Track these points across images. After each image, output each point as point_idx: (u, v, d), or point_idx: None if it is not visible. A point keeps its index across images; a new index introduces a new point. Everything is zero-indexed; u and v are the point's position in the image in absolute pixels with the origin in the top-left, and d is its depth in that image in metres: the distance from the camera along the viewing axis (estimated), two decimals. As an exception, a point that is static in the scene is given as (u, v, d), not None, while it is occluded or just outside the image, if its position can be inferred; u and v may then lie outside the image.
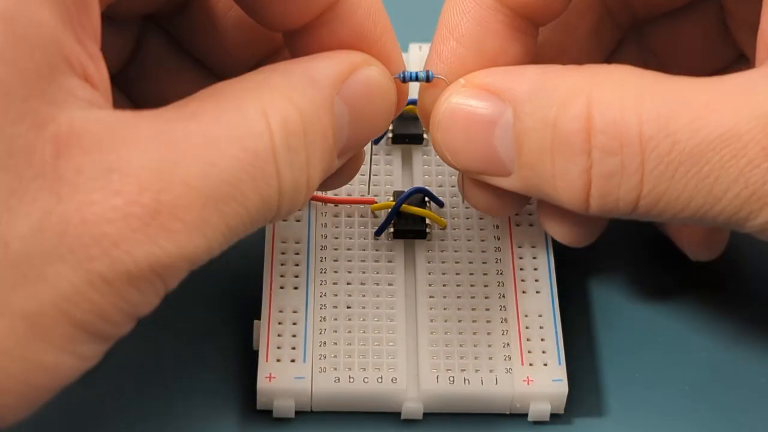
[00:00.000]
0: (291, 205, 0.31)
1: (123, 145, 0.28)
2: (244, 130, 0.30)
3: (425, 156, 0.42)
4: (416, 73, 0.35)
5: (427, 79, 0.36)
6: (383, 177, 0.41)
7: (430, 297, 0.38)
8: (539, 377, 0.37)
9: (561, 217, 0.37)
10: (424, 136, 0.42)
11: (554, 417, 0.37)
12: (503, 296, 0.39)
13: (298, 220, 0.40)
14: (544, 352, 0.37)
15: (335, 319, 0.38)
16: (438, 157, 0.37)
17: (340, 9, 0.34)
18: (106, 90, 0.30)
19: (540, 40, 0.37)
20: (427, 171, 0.42)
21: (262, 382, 0.36)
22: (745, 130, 0.31)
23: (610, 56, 0.40)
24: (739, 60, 0.39)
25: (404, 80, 0.36)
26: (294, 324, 0.37)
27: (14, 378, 0.27)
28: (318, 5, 0.34)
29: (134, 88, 0.38)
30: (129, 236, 0.27)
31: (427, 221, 0.40)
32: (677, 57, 0.40)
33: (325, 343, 0.37)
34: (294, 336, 0.37)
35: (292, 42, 0.35)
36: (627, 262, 0.41)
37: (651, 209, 0.32)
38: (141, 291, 0.28)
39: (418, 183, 0.41)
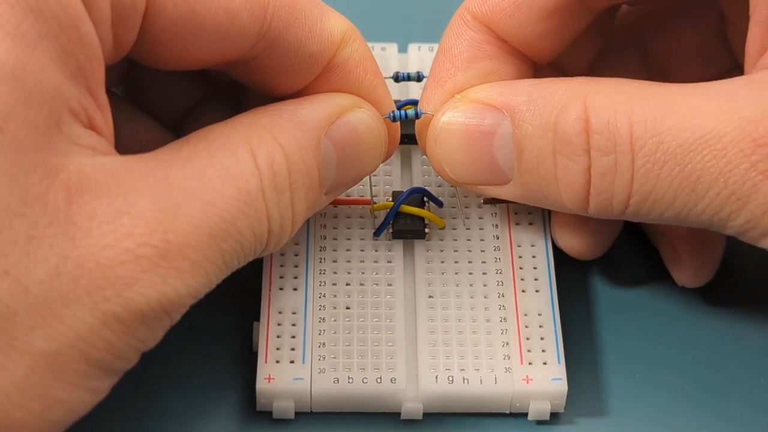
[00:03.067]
0: (278, 240, 0.33)
1: (128, 190, 0.29)
2: (237, 170, 0.32)
3: (424, 156, 0.42)
4: (405, 112, 0.37)
5: (416, 116, 0.37)
6: (382, 177, 0.41)
7: (429, 297, 0.38)
8: (539, 376, 0.37)
9: (573, 229, 0.39)
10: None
11: (554, 416, 0.37)
12: (502, 295, 0.39)
13: (298, 221, 0.40)
14: (543, 351, 0.37)
15: (334, 320, 0.38)
16: (428, 84, 0.38)
17: (333, 61, 0.35)
18: (111, 133, 0.31)
19: None
20: (426, 171, 0.42)
21: (261, 383, 0.36)
22: (725, 132, 0.32)
23: (611, 62, 0.41)
24: (737, 68, 0.39)
25: (394, 120, 0.37)
26: (293, 325, 0.37)
27: (33, 414, 0.28)
28: (317, 70, 0.35)
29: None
30: (141, 277, 0.29)
31: (426, 221, 0.40)
32: (676, 64, 0.40)
33: (324, 343, 0.37)
34: (293, 337, 0.37)
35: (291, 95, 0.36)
36: (627, 260, 0.41)
37: (640, 208, 0.34)
38: (151, 328, 0.30)
39: (417, 183, 0.41)
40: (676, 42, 0.40)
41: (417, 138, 0.39)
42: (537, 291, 0.39)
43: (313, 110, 0.35)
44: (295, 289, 0.38)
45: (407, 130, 0.42)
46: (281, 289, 0.38)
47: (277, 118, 0.34)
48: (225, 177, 0.31)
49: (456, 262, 0.39)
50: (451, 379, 0.37)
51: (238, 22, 0.33)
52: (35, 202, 0.28)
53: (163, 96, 0.39)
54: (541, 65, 0.39)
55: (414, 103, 0.42)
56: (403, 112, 0.37)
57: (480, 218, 0.40)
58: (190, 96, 0.39)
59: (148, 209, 0.29)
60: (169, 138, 0.39)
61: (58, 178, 0.28)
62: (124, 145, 0.33)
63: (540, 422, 0.37)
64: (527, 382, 0.37)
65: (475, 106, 0.36)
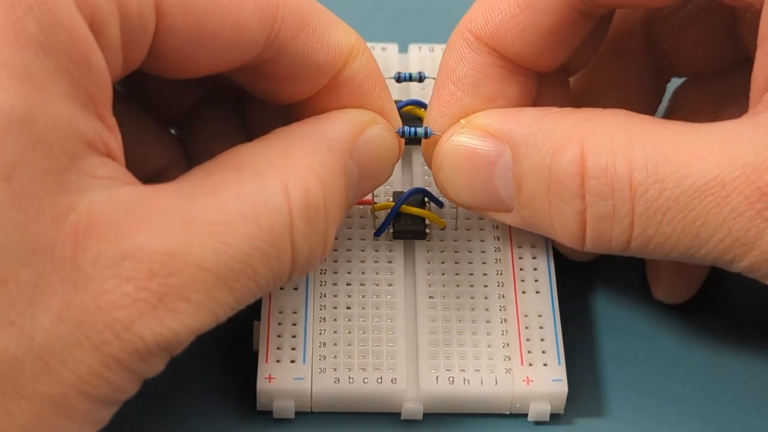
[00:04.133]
0: (304, 270, 0.33)
1: (139, 229, 0.29)
2: (263, 206, 0.31)
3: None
4: (415, 129, 0.37)
5: (425, 136, 0.37)
6: (383, 177, 0.41)
7: (430, 297, 0.39)
8: (539, 377, 0.37)
9: (670, 281, 0.40)
10: (424, 136, 0.42)
11: (554, 417, 0.37)
12: (503, 296, 0.39)
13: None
14: (543, 352, 0.37)
15: (335, 320, 0.38)
16: (433, 106, 0.38)
17: (342, 74, 0.35)
18: (122, 152, 0.31)
19: None
20: (427, 171, 0.41)
21: (261, 383, 0.36)
22: (729, 180, 0.32)
23: (616, 56, 0.40)
24: (746, 62, 0.39)
25: (403, 136, 0.37)
26: (294, 325, 0.37)
27: None
28: (323, 81, 0.35)
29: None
30: (138, 320, 0.29)
31: (427, 222, 0.40)
32: (684, 57, 0.40)
33: (324, 343, 0.37)
34: (294, 337, 0.37)
35: (298, 107, 0.36)
36: (627, 261, 0.41)
37: (643, 249, 0.34)
38: (150, 364, 0.30)
39: (418, 183, 0.41)
40: (684, 35, 0.40)
41: (424, 156, 0.39)
42: (537, 292, 0.39)
43: (339, 130, 0.34)
44: (295, 289, 0.38)
45: (410, 131, 0.42)
46: (282, 288, 0.38)
47: (308, 143, 0.34)
48: (248, 213, 0.31)
49: (456, 262, 0.39)
50: (451, 379, 0.37)
51: (246, 33, 0.33)
52: (43, 250, 0.28)
53: (164, 94, 0.39)
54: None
55: (415, 103, 0.42)
56: (412, 129, 0.37)
57: (480, 219, 0.40)
58: (192, 94, 0.39)
59: (154, 252, 0.29)
60: (169, 138, 0.39)
61: (68, 220, 0.29)
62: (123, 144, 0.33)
63: (539, 423, 0.37)
64: (527, 383, 0.37)
65: (479, 133, 0.36)
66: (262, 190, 0.31)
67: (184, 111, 0.39)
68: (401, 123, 0.37)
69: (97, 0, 0.30)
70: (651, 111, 0.41)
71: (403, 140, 0.37)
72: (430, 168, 0.38)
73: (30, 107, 0.28)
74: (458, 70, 0.37)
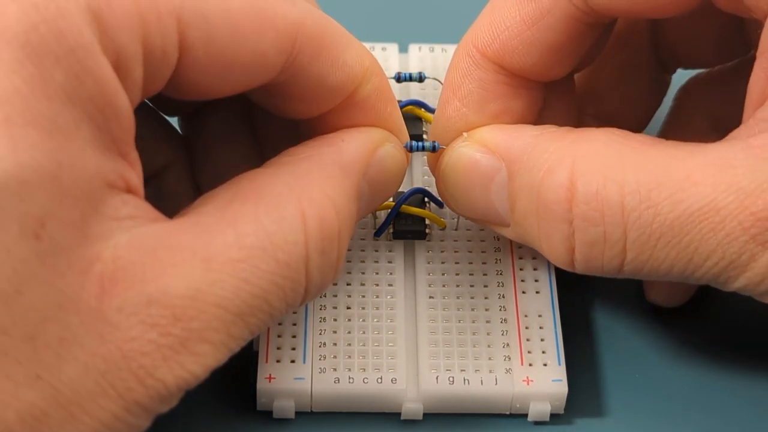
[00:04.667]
0: (315, 297, 0.33)
1: (163, 272, 0.30)
2: (281, 240, 0.31)
3: (425, 156, 0.42)
4: (422, 144, 0.38)
5: (433, 150, 0.37)
6: (383, 177, 0.41)
7: (430, 297, 0.39)
8: (539, 377, 0.37)
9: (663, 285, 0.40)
10: (425, 136, 0.42)
11: (554, 417, 0.37)
12: (503, 296, 0.39)
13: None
14: (543, 352, 0.37)
15: (335, 320, 0.38)
16: (439, 121, 0.38)
17: (354, 95, 0.35)
18: (141, 184, 0.31)
19: None
20: (427, 171, 0.42)
21: (261, 383, 0.36)
22: (722, 205, 0.32)
23: (621, 52, 0.40)
24: (752, 60, 0.39)
25: (411, 150, 0.37)
26: (294, 324, 0.37)
27: None
28: (335, 102, 0.35)
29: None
30: (162, 365, 0.29)
31: (427, 222, 0.40)
32: (690, 51, 0.40)
33: (324, 343, 0.37)
34: (294, 337, 0.37)
35: (307, 121, 0.36)
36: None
37: (636, 273, 0.34)
38: (168, 404, 0.31)
39: (418, 183, 0.41)
40: (690, 28, 0.40)
41: (429, 167, 0.39)
42: (537, 292, 0.39)
43: (354, 152, 0.34)
44: (295, 289, 0.38)
45: (410, 131, 0.42)
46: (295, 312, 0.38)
47: (324, 167, 0.34)
48: (266, 247, 0.31)
49: (456, 262, 0.39)
50: (451, 379, 0.37)
51: (265, 61, 0.32)
52: (68, 303, 0.28)
53: (171, 97, 0.39)
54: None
55: (415, 103, 0.42)
56: (420, 144, 0.37)
57: (480, 219, 0.40)
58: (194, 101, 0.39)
59: (178, 295, 0.29)
60: (172, 136, 0.39)
61: (93, 271, 0.29)
62: None
63: (539, 423, 0.37)
64: (527, 383, 0.37)
65: (479, 148, 0.36)
66: (280, 222, 0.31)
67: (190, 111, 0.39)
68: (408, 137, 0.37)
69: (123, 42, 0.29)
70: (656, 103, 0.41)
71: (410, 154, 0.38)
72: (435, 178, 0.38)
73: (58, 162, 0.28)
74: (464, 87, 0.37)
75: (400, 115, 0.37)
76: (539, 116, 0.38)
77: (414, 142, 0.37)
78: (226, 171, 0.37)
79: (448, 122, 0.37)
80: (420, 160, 0.42)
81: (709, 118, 0.40)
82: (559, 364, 0.37)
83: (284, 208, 0.32)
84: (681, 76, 0.42)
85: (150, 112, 0.38)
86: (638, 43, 0.40)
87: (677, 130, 0.41)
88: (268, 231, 0.31)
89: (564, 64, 0.37)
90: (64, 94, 0.29)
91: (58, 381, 0.28)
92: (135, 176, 0.31)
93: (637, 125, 0.41)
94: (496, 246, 0.40)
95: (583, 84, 0.40)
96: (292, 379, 0.37)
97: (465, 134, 0.37)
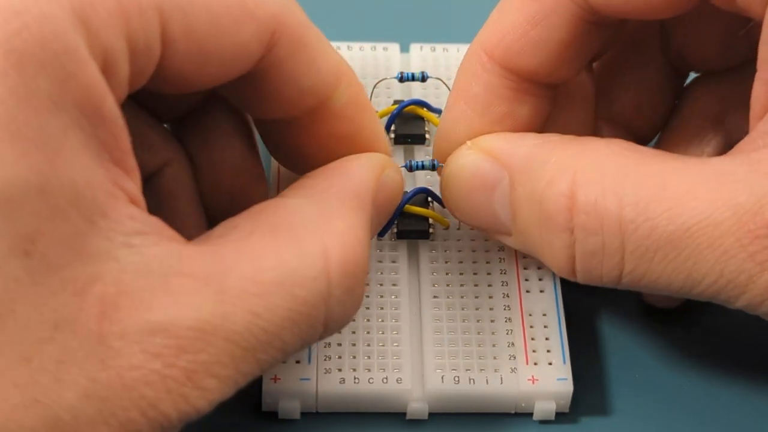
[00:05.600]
0: (335, 331, 0.33)
1: (172, 301, 0.29)
2: (301, 276, 0.31)
3: (427, 156, 0.42)
4: (422, 162, 0.38)
5: (432, 168, 0.38)
6: (386, 177, 0.41)
7: (434, 297, 0.39)
8: (544, 376, 0.37)
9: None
10: (426, 136, 0.42)
11: (560, 416, 0.37)
12: (507, 296, 0.39)
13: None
14: (548, 351, 0.37)
15: (340, 320, 0.38)
16: (444, 123, 0.38)
17: (331, 103, 0.35)
18: (140, 193, 0.30)
19: None
20: (429, 171, 0.41)
21: (267, 384, 0.36)
22: (720, 221, 0.32)
23: (631, 53, 0.41)
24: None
25: (410, 170, 0.38)
26: (298, 325, 0.37)
27: None
28: (306, 105, 0.35)
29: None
30: (165, 398, 0.28)
31: (431, 221, 0.40)
32: (698, 55, 0.40)
33: (329, 344, 0.37)
34: (299, 337, 0.37)
35: (291, 127, 0.36)
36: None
37: (635, 284, 0.34)
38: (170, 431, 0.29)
39: (421, 183, 0.41)
40: (696, 32, 0.39)
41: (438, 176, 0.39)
42: (541, 291, 0.39)
43: (365, 182, 0.34)
44: (300, 290, 0.38)
45: (411, 130, 0.42)
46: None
47: (343, 199, 0.33)
48: (284, 282, 0.30)
49: (460, 262, 0.39)
50: (457, 379, 0.37)
51: (245, 51, 0.32)
52: (65, 324, 0.28)
53: (162, 96, 0.38)
54: None
55: (417, 103, 0.42)
56: (420, 162, 0.38)
57: (484, 218, 0.40)
58: (190, 98, 0.38)
59: (186, 327, 0.29)
60: (168, 136, 0.38)
61: (91, 292, 0.28)
62: None
63: (544, 422, 0.37)
64: (533, 383, 0.37)
65: (482, 157, 0.36)
66: (301, 257, 0.31)
67: (183, 111, 0.39)
68: (388, 147, 0.37)
69: (108, 41, 0.29)
70: (668, 107, 0.41)
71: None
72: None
73: (45, 176, 0.27)
74: (470, 90, 0.37)
75: (380, 124, 0.37)
76: (554, 119, 0.38)
77: (414, 162, 0.38)
78: (225, 172, 0.37)
79: (454, 124, 0.37)
80: (422, 159, 0.42)
81: (711, 118, 0.40)
82: (564, 362, 0.37)
83: (306, 243, 0.31)
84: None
85: (143, 115, 0.38)
86: (650, 46, 0.40)
87: (679, 130, 0.41)
88: (288, 266, 0.30)
89: (571, 64, 0.37)
90: (50, 102, 0.27)
91: (57, 406, 0.27)
92: (132, 185, 0.30)
93: (650, 128, 0.41)
94: (500, 245, 0.40)
95: (597, 87, 0.40)
96: (297, 380, 0.37)
97: (469, 142, 0.37)
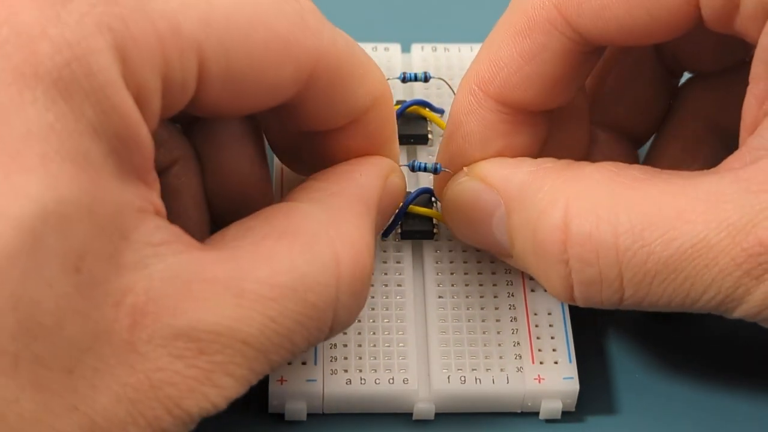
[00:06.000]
0: (339, 332, 0.34)
1: (195, 306, 0.30)
2: (313, 281, 0.32)
3: (430, 156, 0.42)
4: (425, 164, 0.39)
5: (435, 171, 0.38)
6: (389, 178, 0.41)
7: (440, 297, 0.39)
8: (550, 375, 0.37)
9: None
10: (429, 136, 0.42)
11: (566, 415, 0.37)
12: (512, 295, 0.39)
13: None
14: (554, 350, 0.38)
15: (345, 321, 0.38)
16: (442, 155, 0.39)
17: (361, 120, 0.35)
18: (162, 204, 0.31)
19: None
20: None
21: (273, 385, 0.37)
22: (715, 241, 0.32)
23: (625, 62, 0.41)
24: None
25: (413, 170, 0.39)
26: (304, 326, 0.37)
27: None
28: (338, 125, 0.35)
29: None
30: (187, 396, 0.30)
31: (435, 221, 0.40)
32: (692, 57, 0.40)
33: (335, 345, 0.37)
34: (304, 338, 0.37)
35: (310, 138, 0.36)
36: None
37: (637, 306, 0.34)
38: (188, 429, 0.31)
39: (424, 183, 0.41)
40: (691, 34, 0.40)
41: (435, 190, 0.39)
42: (546, 290, 0.39)
43: (372, 187, 0.35)
44: (305, 291, 0.38)
45: (414, 131, 0.42)
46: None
47: (352, 205, 0.34)
48: (297, 287, 0.31)
49: (465, 262, 0.39)
50: (463, 379, 0.37)
51: (282, 89, 0.33)
52: (103, 334, 0.29)
53: None
54: None
55: (420, 103, 0.42)
56: (423, 164, 0.38)
57: (488, 218, 0.40)
58: None
59: (205, 331, 0.30)
60: (178, 133, 0.38)
61: (126, 302, 0.29)
62: None
63: (550, 421, 0.38)
64: (539, 382, 0.37)
65: (478, 184, 0.37)
66: (313, 263, 0.32)
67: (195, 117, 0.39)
68: (399, 160, 0.37)
69: (144, 76, 0.30)
70: (663, 108, 0.41)
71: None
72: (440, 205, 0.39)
73: (92, 196, 0.29)
74: (466, 126, 0.37)
75: (397, 138, 0.37)
76: (550, 138, 0.38)
77: (417, 162, 0.39)
78: (233, 175, 0.37)
79: (453, 156, 0.38)
80: (425, 159, 0.42)
81: (705, 120, 0.40)
82: (570, 361, 0.37)
83: (318, 248, 0.32)
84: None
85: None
86: (642, 50, 0.40)
87: (675, 131, 0.41)
88: (301, 271, 0.32)
89: (566, 92, 0.37)
90: (93, 129, 0.29)
91: (93, 411, 0.29)
92: (156, 196, 0.31)
93: (645, 130, 0.41)
94: (504, 245, 0.40)
95: (589, 93, 0.40)
96: (303, 381, 0.37)
97: (465, 169, 0.37)
